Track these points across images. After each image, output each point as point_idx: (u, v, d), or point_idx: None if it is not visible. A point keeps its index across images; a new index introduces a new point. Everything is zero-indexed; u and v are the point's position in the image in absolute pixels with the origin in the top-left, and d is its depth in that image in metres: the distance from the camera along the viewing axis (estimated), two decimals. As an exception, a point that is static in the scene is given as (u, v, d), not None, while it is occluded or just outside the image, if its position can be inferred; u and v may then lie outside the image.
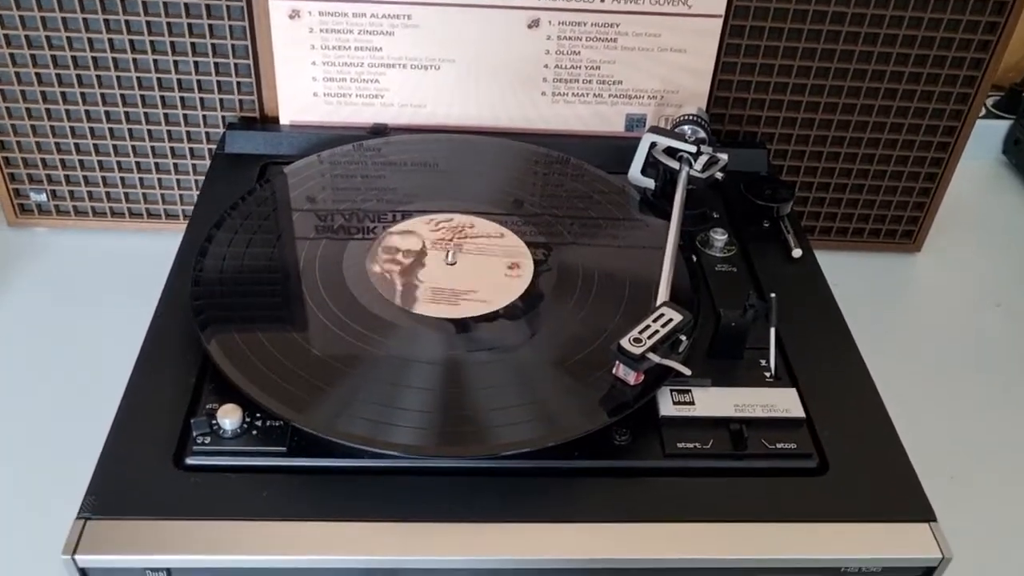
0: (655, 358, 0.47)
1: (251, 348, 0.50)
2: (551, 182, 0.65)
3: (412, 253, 0.57)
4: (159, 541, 0.42)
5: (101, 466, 0.45)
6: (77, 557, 0.42)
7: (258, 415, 0.47)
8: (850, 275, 0.79)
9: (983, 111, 0.98)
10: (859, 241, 0.81)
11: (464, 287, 0.54)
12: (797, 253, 0.62)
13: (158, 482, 0.45)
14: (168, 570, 0.42)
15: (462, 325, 0.53)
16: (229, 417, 0.46)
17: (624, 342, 0.47)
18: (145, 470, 0.45)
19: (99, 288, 0.72)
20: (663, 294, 0.52)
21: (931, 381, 0.71)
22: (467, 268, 0.56)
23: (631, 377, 0.48)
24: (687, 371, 0.48)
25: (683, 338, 0.49)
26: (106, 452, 0.46)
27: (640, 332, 0.48)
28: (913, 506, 0.47)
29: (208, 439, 0.46)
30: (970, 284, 0.80)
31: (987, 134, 0.96)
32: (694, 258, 0.60)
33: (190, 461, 0.46)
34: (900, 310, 0.77)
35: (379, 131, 0.69)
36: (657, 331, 0.48)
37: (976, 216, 0.89)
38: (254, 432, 0.47)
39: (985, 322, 0.77)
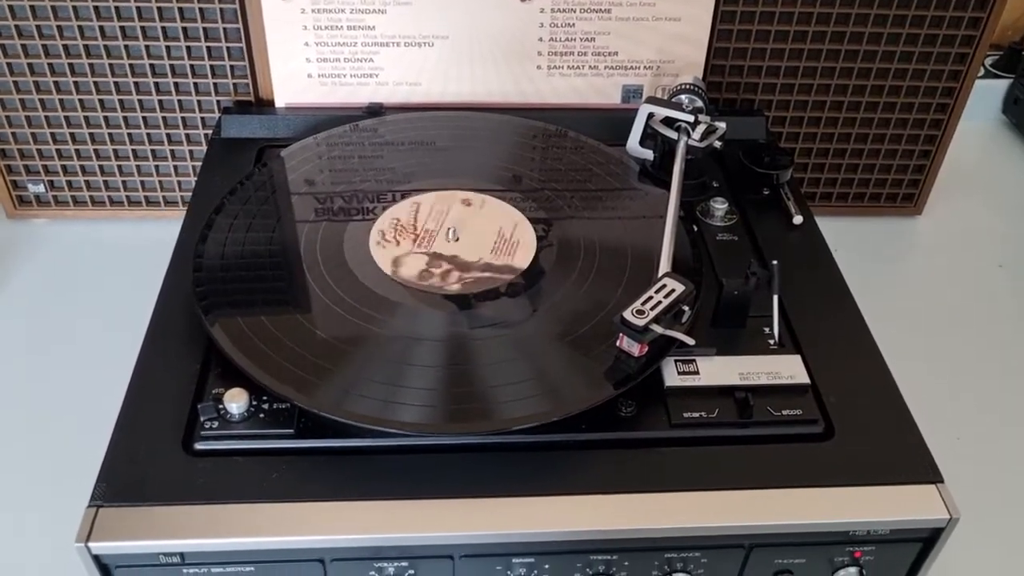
0: (658, 329, 0.47)
1: (255, 332, 0.50)
2: (549, 156, 0.65)
3: (413, 230, 0.57)
4: (171, 526, 0.43)
5: (111, 454, 0.45)
6: (91, 544, 0.42)
7: (264, 398, 0.47)
8: (852, 240, 0.79)
9: (982, 71, 0.97)
10: (860, 206, 0.81)
11: (466, 261, 0.54)
12: (798, 220, 0.62)
13: (168, 468, 0.45)
14: (181, 554, 0.43)
15: (465, 302, 0.53)
16: (236, 401, 0.46)
17: (627, 314, 0.47)
18: (154, 456, 0.45)
19: (100, 277, 0.72)
20: (665, 265, 0.52)
21: (935, 343, 0.71)
22: (468, 243, 0.56)
23: (635, 349, 0.48)
24: (691, 341, 0.48)
25: (686, 308, 0.49)
26: (115, 440, 0.46)
27: (643, 304, 0.48)
28: (920, 468, 0.47)
29: (216, 424, 0.46)
30: (972, 245, 0.80)
31: (986, 94, 0.96)
32: (695, 228, 0.60)
33: (199, 446, 0.46)
34: (902, 273, 0.77)
35: (375, 111, 0.69)
36: (660, 302, 0.48)
37: (977, 177, 0.88)
38: (261, 415, 0.47)
39: (988, 283, 0.76)
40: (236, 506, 0.44)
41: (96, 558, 0.43)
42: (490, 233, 0.57)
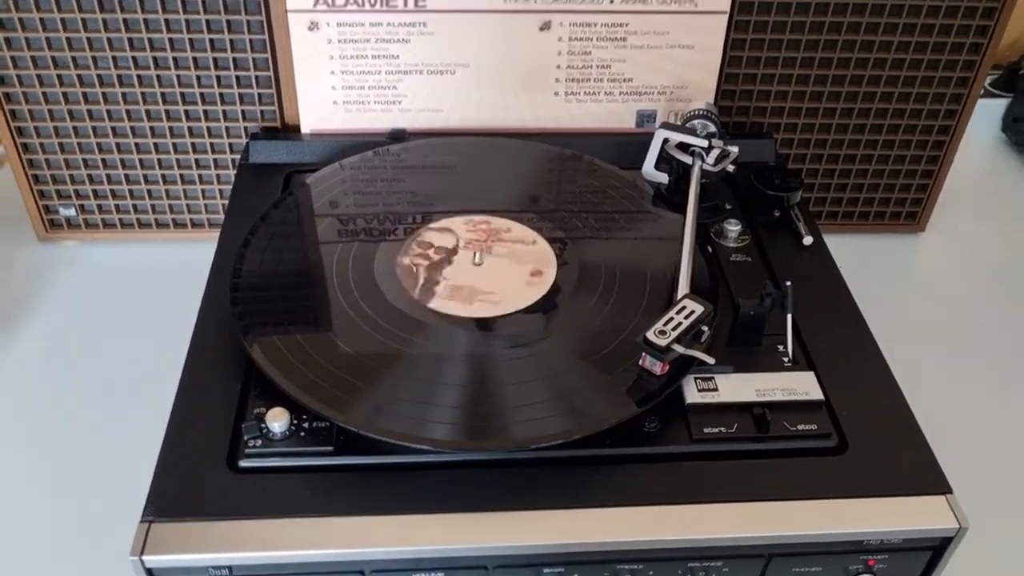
0: (680, 349, 0.50)
1: (292, 352, 0.52)
2: (567, 179, 0.68)
3: (443, 252, 0.59)
4: (220, 540, 0.45)
5: (159, 471, 0.48)
6: (144, 558, 0.44)
7: (304, 417, 0.50)
8: (858, 256, 0.81)
9: (981, 91, 1.00)
10: (865, 223, 0.84)
11: (487, 288, 0.57)
12: (808, 240, 0.64)
13: (214, 484, 0.47)
14: (230, 567, 0.45)
15: (492, 323, 0.55)
16: (278, 420, 0.49)
17: (650, 334, 0.50)
18: (201, 473, 0.47)
19: (130, 297, 0.74)
20: (684, 286, 0.55)
21: (939, 357, 0.73)
22: (494, 266, 0.58)
23: (657, 368, 0.50)
24: (711, 360, 0.50)
25: (705, 328, 0.51)
26: (163, 458, 0.48)
27: (664, 324, 0.50)
28: (930, 480, 0.49)
29: (259, 442, 0.49)
30: (973, 262, 0.83)
31: (986, 112, 0.98)
32: (710, 249, 0.62)
33: (243, 464, 0.48)
34: (907, 289, 0.80)
35: (398, 136, 0.71)
36: (680, 323, 0.51)
37: (978, 194, 0.91)
38: (302, 433, 0.49)
39: (989, 298, 0.79)
40: (280, 521, 0.46)
41: (149, 571, 0.45)
42: (514, 256, 0.59)
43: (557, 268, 0.59)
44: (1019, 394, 0.70)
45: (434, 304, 0.55)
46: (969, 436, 0.67)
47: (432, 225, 0.62)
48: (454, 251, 0.59)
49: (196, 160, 0.75)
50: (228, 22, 0.68)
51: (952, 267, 0.82)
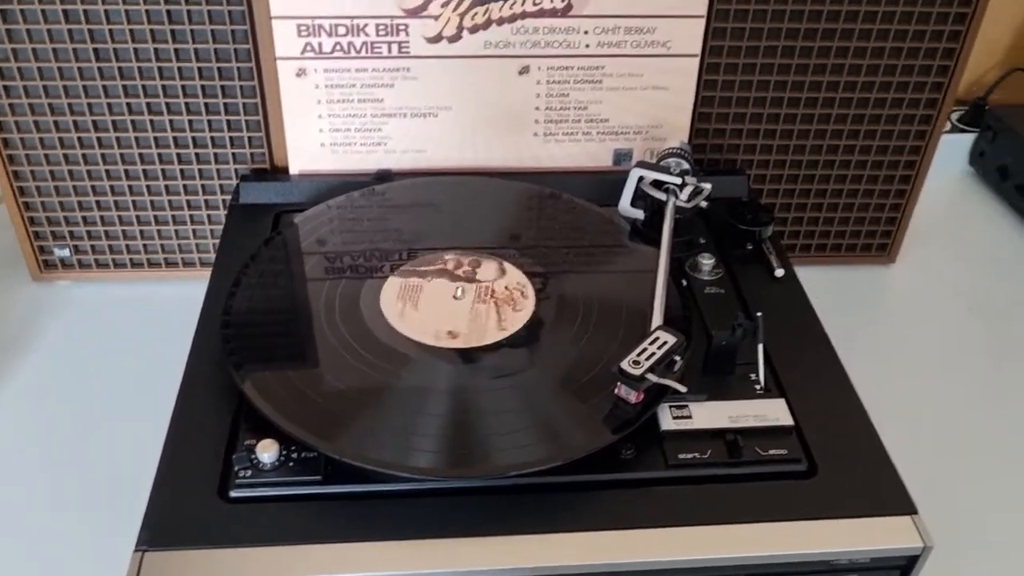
0: (653, 378, 0.52)
1: (281, 384, 0.54)
2: (546, 217, 0.70)
3: (426, 287, 0.61)
4: (212, 569, 0.46)
5: (152, 502, 0.49)
6: (139, 586, 0.46)
7: (293, 448, 0.51)
8: (830, 288, 0.84)
9: (948, 126, 1.03)
10: (838, 255, 0.86)
11: (469, 321, 0.59)
12: (779, 272, 0.67)
13: (206, 514, 0.49)
14: (222, 594, 0.47)
15: (473, 355, 0.57)
16: (267, 451, 0.50)
17: (624, 364, 0.52)
18: (193, 504, 0.49)
19: (124, 336, 0.76)
20: (657, 318, 0.57)
21: (909, 383, 0.75)
22: (475, 304, 0.60)
23: (632, 396, 0.52)
24: (683, 389, 0.52)
25: (677, 358, 0.54)
26: (156, 489, 0.50)
27: (638, 355, 0.53)
28: (896, 501, 0.51)
29: (249, 472, 0.50)
30: (942, 291, 0.85)
31: (954, 147, 1.02)
32: (684, 283, 0.65)
33: (234, 494, 0.50)
34: (878, 318, 0.82)
35: (384, 176, 0.74)
36: (654, 353, 0.53)
37: (946, 226, 0.94)
38: (291, 464, 0.51)
39: (957, 326, 0.81)
40: (271, 549, 0.47)
41: (143, 599, 0.46)
42: (494, 289, 0.61)
43: (537, 301, 0.61)
44: (986, 415, 0.73)
45: (417, 336, 0.58)
46: (936, 459, 0.69)
47: (415, 261, 0.64)
48: (437, 286, 0.62)
49: (188, 201, 0.77)
50: (219, 69, 0.71)
51: (922, 296, 0.85)
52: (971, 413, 0.73)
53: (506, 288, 0.62)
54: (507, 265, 0.64)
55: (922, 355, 0.78)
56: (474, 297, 0.61)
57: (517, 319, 0.59)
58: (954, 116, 1.04)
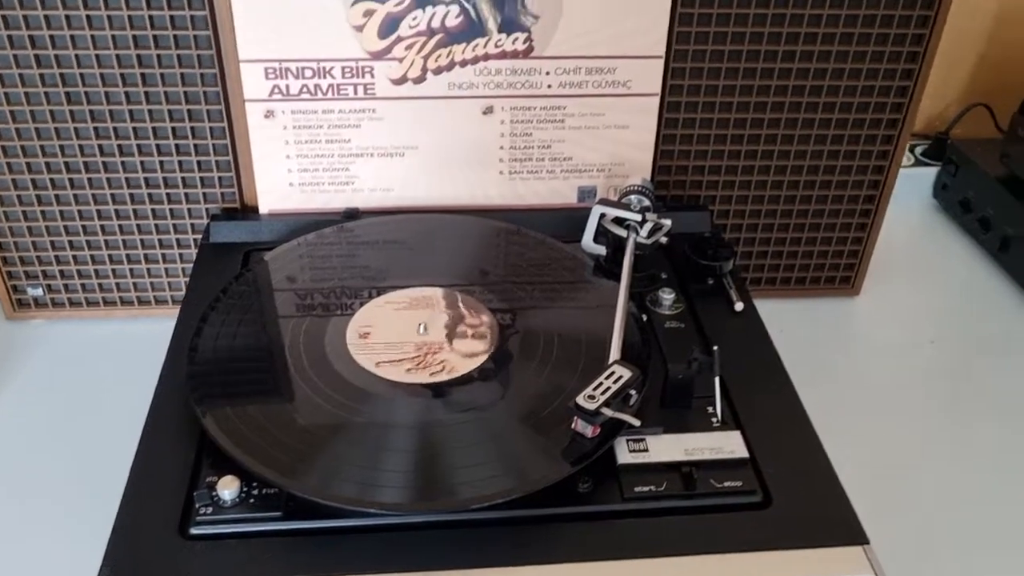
0: (608, 412, 0.53)
1: (244, 422, 0.55)
2: (512, 253, 0.71)
3: (389, 323, 0.62)
4: (171, 605, 0.47)
5: (113, 540, 0.50)
6: (97, 623, 0.46)
7: (254, 484, 0.52)
8: (796, 320, 0.85)
9: (912, 160, 1.06)
10: (803, 288, 0.88)
11: (434, 354, 0.60)
12: (739, 306, 0.68)
13: (166, 552, 0.49)
14: (180, 631, 0.47)
15: (435, 390, 0.58)
16: (228, 488, 0.51)
17: (580, 399, 0.53)
18: (154, 541, 0.50)
19: (97, 373, 0.77)
20: (614, 353, 0.58)
21: (871, 414, 0.76)
22: (437, 337, 0.61)
23: (589, 430, 0.53)
24: (636, 422, 0.53)
25: (633, 392, 0.55)
26: (117, 526, 0.50)
27: (594, 389, 0.54)
28: (848, 532, 0.52)
29: (210, 509, 0.51)
30: (906, 323, 0.87)
31: (918, 180, 1.04)
32: (644, 317, 0.66)
33: (194, 531, 0.50)
34: (842, 350, 0.83)
35: (352, 215, 0.75)
36: (609, 387, 0.54)
37: (911, 259, 0.95)
38: (251, 500, 0.51)
39: (919, 358, 0.83)
40: (230, 585, 0.48)
41: (102, 636, 0.47)
42: (459, 326, 0.62)
43: (500, 337, 0.62)
44: (945, 449, 0.73)
45: (379, 371, 0.59)
46: (895, 490, 0.70)
47: (382, 297, 0.65)
48: (401, 321, 0.63)
49: (159, 240, 0.78)
50: (189, 111, 0.72)
51: (886, 328, 0.86)
52: (931, 445, 0.74)
53: (470, 324, 0.63)
54: (472, 301, 0.65)
55: (884, 386, 0.79)
56: (438, 332, 0.62)
57: (479, 355, 0.60)
58: (918, 150, 1.07)
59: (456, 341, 0.61)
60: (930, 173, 1.04)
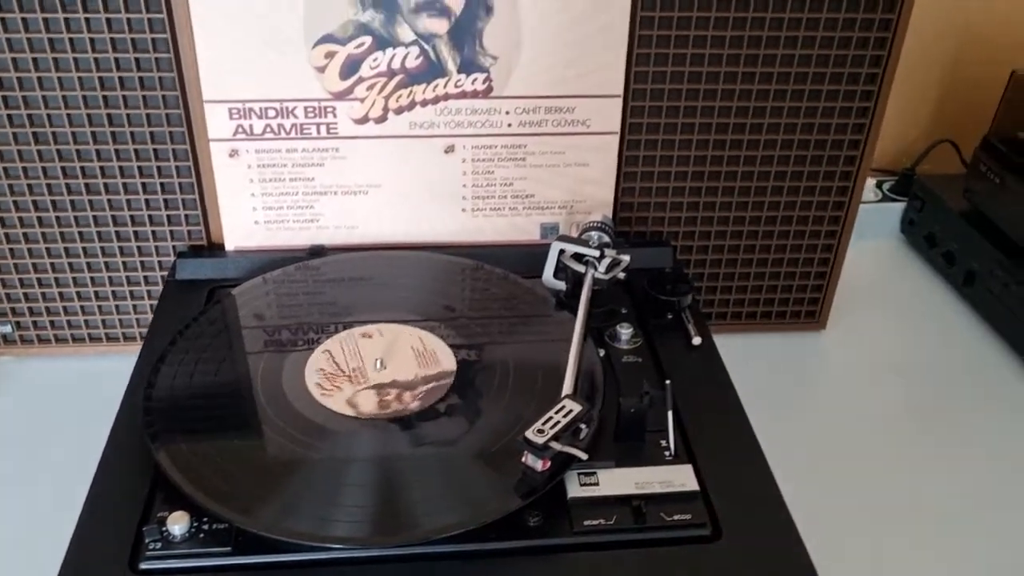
0: (557, 446, 0.53)
1: (197, 457, 0.55)
2: (474, 288, 0.72)
3: (347, 359, 0.63)
4: (116, 640, 0.47)
5: (63, 573, 0.50)
6: (41, 660, 0.46)
7: (205, 519, 0.52)
8: (762, 354, 0.86)
9: (880, 195, 1.07)
10: (768, 323, 0.89)
11: (407, 380, 0.61)
12: (697, 341, 0.69)
13: (115, 587, 0.50)
14: (125, 667, 0.47)
15: (389, 425, 0.58)
16: (178, 523, 0.51)
17: (529, 433, 0.53)
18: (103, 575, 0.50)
19: (64, 408, 0.77)
20: (567, 387, 0.59)
21: (835, 448, 0.76)
22: (397, 366, 0.62)
23: (539, 464, 0.54)
24: (584, 456, 0.54)
25: (583, 427, 0.55)
26: (67, 560, 0.51)
27: (543, 424, 0.54)
28: (797, 567, 0.52)
29: (159, 544, 0.51)
30: (871, 356, 0.87)
31: (885, 215, 1.05)
32: (601, 352, 0.66)
33: (143, 566, 0.51)
34: (807, 383, 0.84)
35: (317, 252, 0.76)
36: (559, 422, 0.54)
37: (877, 292, 0.97)
38: (201, 535, 0.52)
39: (884, 391, 0.83)
40: (176, 620, 0.48)
41: (46, 673, 0.47)
42: (415, 360, 0.63)
43: (456, 372, 0.63)
44: (908, 483, 0.74)
45: (330, 404, 0.59)
46: (859, 525, 0.70)
47: (341, 333, 0.66)
48: (359, 356, 0.63)
49: (127, 277, 0.79)
50: (155, 151, 0.73)
51: (851, 361, 0.87)
52: (895, 479, 0.74)
53: (428, 360, 0.63)
54: (431, 336, 0.66)
55: (849, 418, 0.80)
56: (395, 368, 0.62)
57: (436, 390, 0.61)
58: (885, 186, 1.08)
59: (413, 376, 0.62)
60: (897, 208, 1.05)
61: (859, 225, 0.95)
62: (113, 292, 0.79)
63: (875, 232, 1.04)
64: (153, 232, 0.77)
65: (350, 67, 0.71)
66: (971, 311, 0.93)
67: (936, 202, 0.99)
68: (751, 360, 0.85)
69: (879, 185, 1.08)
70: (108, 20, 0.68)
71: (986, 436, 0.78)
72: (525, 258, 0.76)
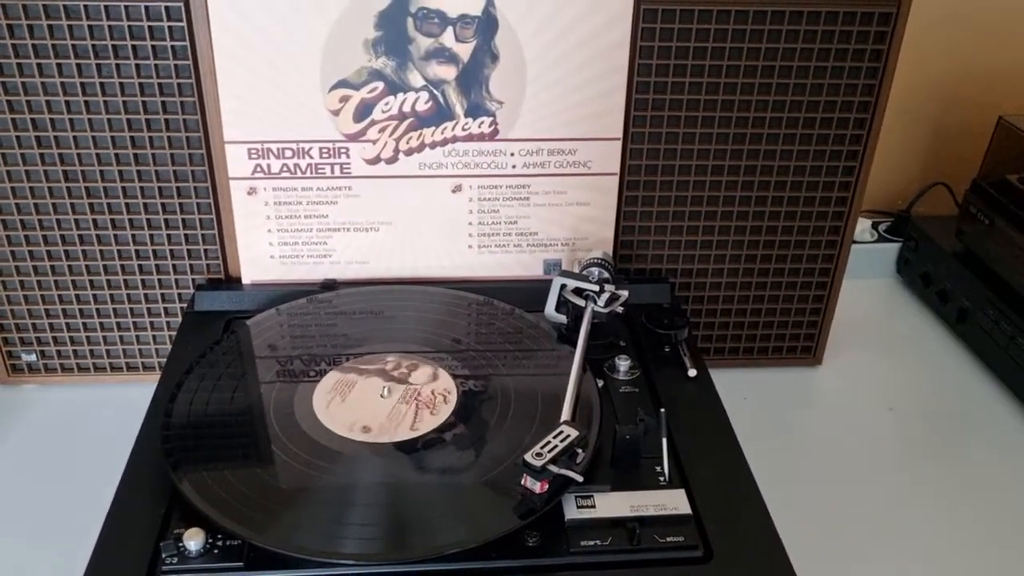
0: (554, 469, 0.56)
1: (212, 477, 0.58)
2: (479, 322, 0.76)
3: (356, 387, 0.66)
4: (134, 649, 0.50)
5: (83, 588, 0.53)
6: (63, 666, 0.49)
7: (219, 536, 0.55)
8: (759, 388, 0.88)
9: (876, 236, 1.10)
10: (765, 358, 0.91)
11: (396, 415, 0.64)
12: (692, 372, 0.72)
13: (133, 599, 0.52)
14: (142, 674, 0.50)
15: (396, 450, 0.61)
16: (193, 539, 0.54)
17: (528, 456, 0.56)
18: (122, 589, 0.53)
19: (85, 434, 0.80)
20: (565, 414, 0.62)
21: (829, 480, 0.79)
22: (401, 399, 0.65)
23: (537, 486, 0.57)
24: (579, 479, 0.56)
25: (579, 451, 0.58)
26: (88, 574, 0.54)
27: (542, 447, 0.57)
28: (785, 588, 0.55)
29: (175, 559, 0.54)
30: (866, 393, 0.90)
31: (882, 255, 1.08)
32: (600, 382, 0.69)
33: (160, 580, 0.54)
34: (803, 417, 0.86)
35: (329, 286, 0.79)
36: (556, 446, 0.57)
37: (873, 330, 0.99)
38: (215, 551, 0.55)
39: (878, 425, 0.85)
40: (192, 632, 0.51)
41: None
42: (419, 392, 0.66)
43: (459, 400, 0.66)
44: (900, 518, 0.75)
45: (334, 427, 0.63)
46: (850, 561, 0.72)
47: (355, 361, 0.69)
48: (368, 384, 0.66)
49: (148, 309, 0.82)
50: (178, 188, 0.77)
51: (846, 397, 0.89)
52: (886, 512, 0.75)
53: (432, 391, 0.67)
54: (438, 369, 0.69)
55: (843, 452, 0.82)
56: (399, 397, 0.66)
57: (439, 417, 0.64)
58: (881, 227, 1.11)
59: (414, 407, 0.65)
60: (893, 249, 1.08)
61: (856, 265, 0.99)
62: (134, 323, 0.83)
63: (871, 271, 1.07)
64: (174, 266, 0.80)
65: (363, 111, 0.75)
66: (964, 348, 0.96)
67: (930, 243, 1.02)
68: (748, 394, 0.87)
69: (875, 226, 1.11)
70: (137, 66, 0.72)
71: (979, 471, 0.80)
72: (529, 292, 0.79)
